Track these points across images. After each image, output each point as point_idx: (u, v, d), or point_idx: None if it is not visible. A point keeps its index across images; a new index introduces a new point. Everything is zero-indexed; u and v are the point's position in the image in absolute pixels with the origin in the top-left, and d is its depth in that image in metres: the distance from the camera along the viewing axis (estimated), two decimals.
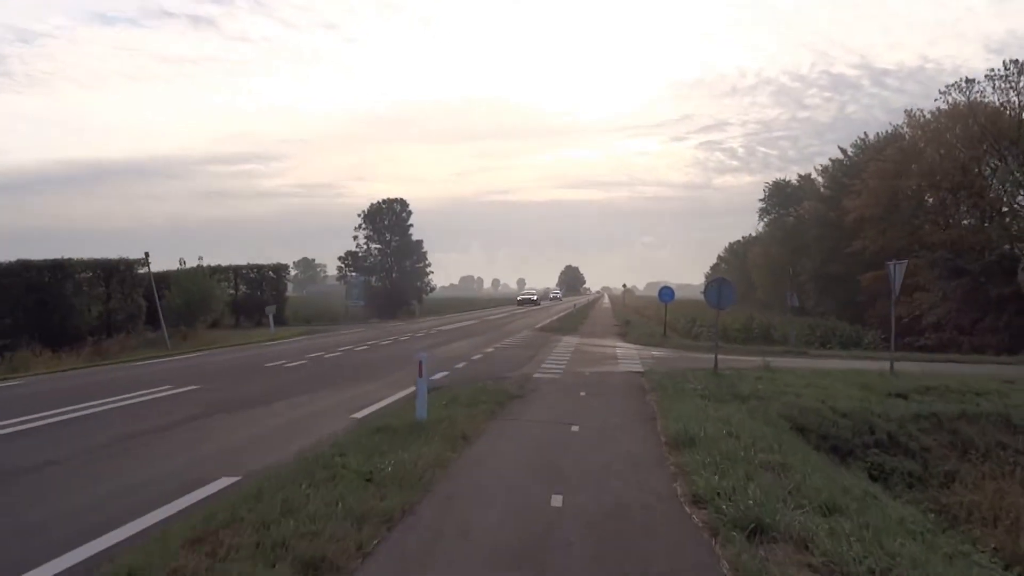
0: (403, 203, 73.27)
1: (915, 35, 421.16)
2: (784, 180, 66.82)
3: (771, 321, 36.13)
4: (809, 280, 56.85)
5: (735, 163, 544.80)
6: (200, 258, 31.93)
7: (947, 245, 36.94)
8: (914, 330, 37.27)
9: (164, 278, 32.14)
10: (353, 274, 44.76)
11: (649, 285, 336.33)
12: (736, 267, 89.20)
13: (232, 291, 41.71)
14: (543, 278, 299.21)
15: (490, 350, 21.56)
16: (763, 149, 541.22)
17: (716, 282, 16.35)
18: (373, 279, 71.30)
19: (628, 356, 20.39)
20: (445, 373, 15.16)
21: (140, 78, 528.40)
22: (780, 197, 66.23)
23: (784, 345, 29.11)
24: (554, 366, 17.10)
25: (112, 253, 30.14)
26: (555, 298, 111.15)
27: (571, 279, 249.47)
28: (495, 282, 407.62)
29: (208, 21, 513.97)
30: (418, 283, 73.37)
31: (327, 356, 19.28)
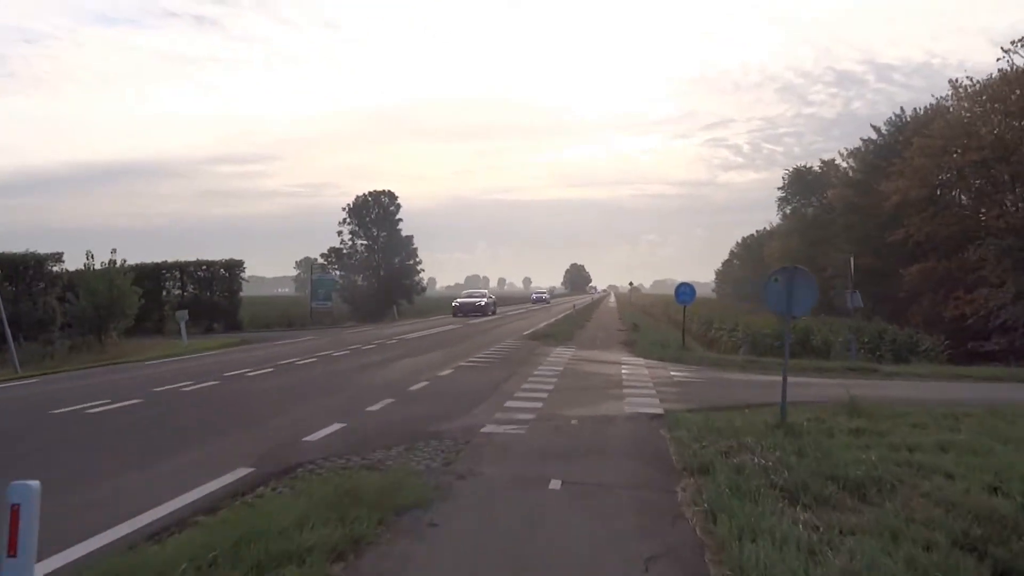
0: (391, 196, 67.20)
1: (919, 30, 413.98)
2: (805, 167, 60.61)
3: (807, 323, 30.01)
4: (837, 275, 50.56)
5: (740, 160, 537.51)
6: (113, 251, 25.88)
7: (1017, 231, 30.80)
8: (979, 333, 31.16)
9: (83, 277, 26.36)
10: (321, 272, 38.62)
11: (656, 283, 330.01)
12: (750, 263, 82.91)
13: (179, 291, 35.94)
14: (549, 276, 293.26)
15: (449, 371, 15.60)
16: (768, 145, 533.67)
17: (784, 273, 10.13)
18: (360, 278, 65.55)
19: (638, 381, 14.38)
20: (341, 425, 9.19)
21: (143, 78, 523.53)
22: (801, 185, 59.99)
23: (840, 359, 23.18)
24: (526, 403, 11.11)
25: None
26: (539, 300, 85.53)
27: (576, 277, 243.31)
28: (501, 281, 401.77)
29: (211, 21, 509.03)
30: (408, 282, 67.49)
31: (190, 389, 13.05)
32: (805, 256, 60.19)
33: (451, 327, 33.34)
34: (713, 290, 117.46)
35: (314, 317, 38.00)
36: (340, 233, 65.05)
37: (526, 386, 13.17)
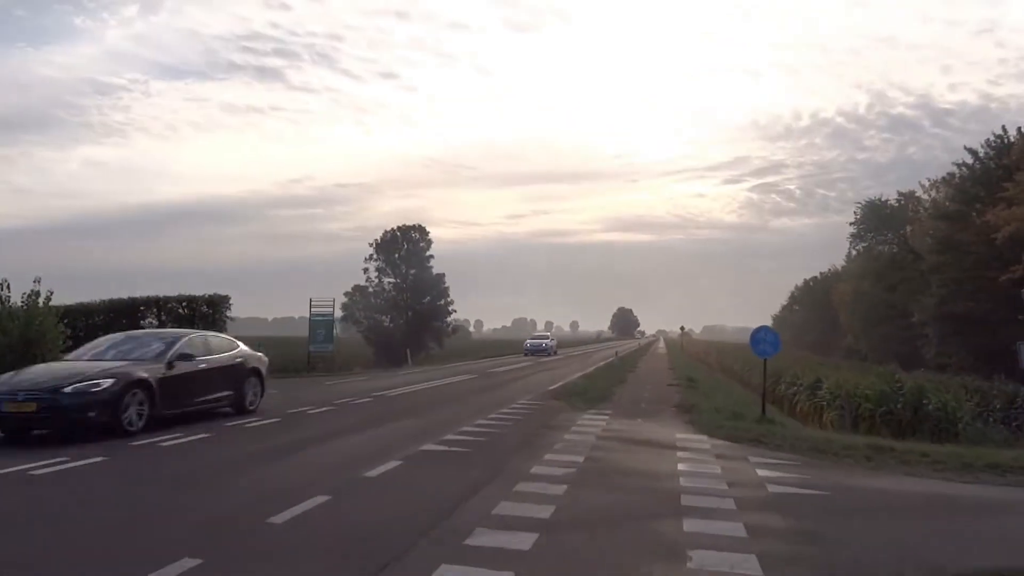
0: (422, 231, 62.25)
1: (976, 75, 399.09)
2: (880, 200, 53.52)
3: (915, 382, 23.07)
4: (928, 322, 43.13)
5: (792, 205, 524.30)
6: (36, 281, 20.62)
7: None
8: None
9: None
10: (327, 311, 33.12)
11: (706, 328, 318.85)
12: (814, 308, 75.26)
13: None
14: (596, 321, 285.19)
15: (395, 464, 9.51)
16: (821, 191, 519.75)
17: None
18: (387, 319, 60.25)
19: (709, 493, 8.05)
20: None
21: (208, 126, 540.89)
22: (876, 220, 52.87)
23: (975, 434, 16.54)
24: (493, 555, 5.06)
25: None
26: (537, 350, 56.30)
27: (624, 322, 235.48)
28: (548, 324, 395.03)
29: (273, 72, 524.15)
30: (437, 323, 61.93)
31: None
32: (882, 301, 52.87)
33: (463, 378, 27.32)
34: None
35: (312, 363, 32.41)
36: (366, 270, 60.31)
37: (507, 506, 7.06)
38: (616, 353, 43.57)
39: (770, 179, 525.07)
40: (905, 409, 20.98)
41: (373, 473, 8.73)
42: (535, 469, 9.21)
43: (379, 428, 13.12)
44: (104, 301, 30.90)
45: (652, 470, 9.70)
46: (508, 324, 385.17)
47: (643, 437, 12.83)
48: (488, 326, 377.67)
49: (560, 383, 24.31)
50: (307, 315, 33.52)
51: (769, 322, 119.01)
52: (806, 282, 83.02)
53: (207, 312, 30.88)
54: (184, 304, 30.99)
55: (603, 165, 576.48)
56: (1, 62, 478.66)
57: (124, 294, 30.59)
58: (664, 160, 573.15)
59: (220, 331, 30.85)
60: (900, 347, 49.59)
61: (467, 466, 9.50)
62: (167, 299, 31.09)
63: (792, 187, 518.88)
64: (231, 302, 31.29)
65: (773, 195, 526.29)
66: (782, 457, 11.23)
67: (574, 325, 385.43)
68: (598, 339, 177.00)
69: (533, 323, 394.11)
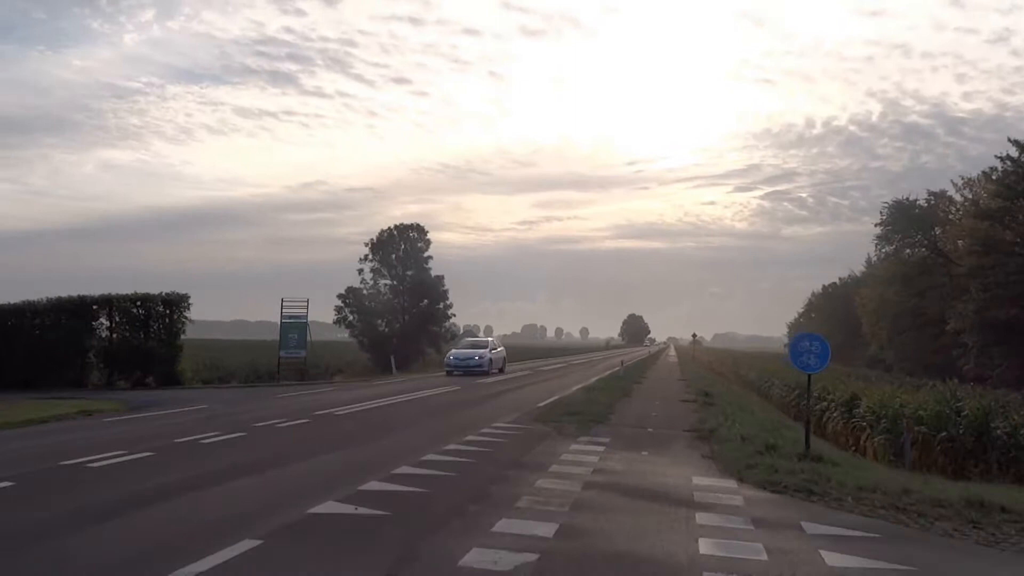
0: (420, 230, 58.63)
1: (991, 83, 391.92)
2: (909, 199, 49.50)
3: (983, 401, 19.22)
4: (966, 330, 39.12)
5: (804, 213, 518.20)
6: None
7: None
8: None
9: None
10: (300, 314, 29.60)
11: (717, 336, 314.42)
12: (834, 316, 71.12)
13: (107, 333, 27.48)
14: (607, 327, 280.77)
15: (244, 550, 5.93)
16: (833, 199, 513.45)
17: None
18: (381, 323, 56.69)
19: None
20: None
21: (222, 131, 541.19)
22: (905, 222, 48.89)
23: None
24: None
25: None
26: (476, 365, 33.77)
27: (634, 328, 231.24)
28: (558, 331, 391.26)
29: (286, 77, 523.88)
30: (436, 328, 58.30)
31: None
32: (910, 308, 48.91)
33: (446, 389, 23.72)
34: (785, 345, 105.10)
35: (283, 370, 28.90)
36: (360, 271, 56.74)
37: None
38: (622, 363, 39.37)
39: (782, 187, 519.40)
40: (967, 434, 17.31)
41: (195, 570, 5.14)
42: (468, 558, 5.61)
43: (279, 469, 9.53)
44: (52, 299, 27.66)
45: (659, 555, 6.07)
46: (518, 330, 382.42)
47: (648, 484, 9.18)
48: (498, 332, 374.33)
49: (554, 397, 20.70)
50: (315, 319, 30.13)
51: (783, 330, 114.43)
52: (824, 288, 78.80)
53: (162, 313, 27.62)
54: (138, 304, 27.74)
55: (615, 172, 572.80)
56: (20, 65, 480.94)
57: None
58: (676, 167, 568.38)
59: (177, 334, 27.59)
60: (932, 357, 45.58)
61: (359, 551, 5.91)
62: (120, 298, 27.83)
63: (804, 195, 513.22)
64: (190, 302, 27.93)
65: (785, 203, 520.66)
66: (850, 523, 7.55)
67: (584, 332, 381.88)
68: (607, 346, 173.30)
69: (543, 329, 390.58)
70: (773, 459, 10.86)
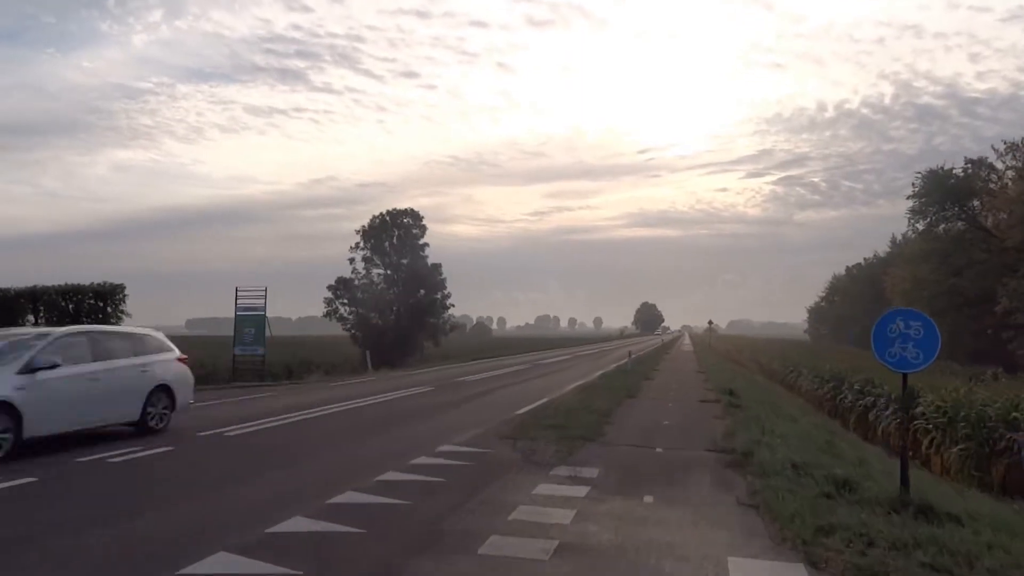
0: (415, 216, 54.49)
1: (1006, 62, 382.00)
2: (943, 168, 44.70)
3: None
4: (1017, 309, 34.51)
5: (817, 198, 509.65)
6: None
7: None
8: None
9: None
10: (256, 304, 25.55)
11: (731, 323, 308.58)
12: (860, 299, 66.29)
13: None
14: (621, 316, 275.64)
15: None
16: (847, 183, 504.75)
17: None
18: (374, 315, 52.71)
19: None
20: None
21: (233, 129, 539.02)
22: (940, 193, 44.12)
23: None
24: None
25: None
26: None
27: (648, 317, 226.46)
28: (571, 321, 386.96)
29: (295, 74, 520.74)
30: (433, 320, 54.24)
31: None
32: (947, 287, 44.26)
33: (418, 391, 19.56)
34: (805, 331, 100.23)
35: (239, 370, 24.89)
36: (352, 261, 52.75)
37: None
38: (630, 354, 34.99)
39: (794, 172, 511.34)
40: None
41: None
42: None
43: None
44: None
45: None
46: (531, 321, 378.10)
47: None
48: (511, 323, 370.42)
49: (542, 400, 16.52)
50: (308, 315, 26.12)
51: (803, 315, 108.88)
52: (848, 270, 73.83)
53: (96, 306, 23.68)
54: (67, 296, 23.81)
55: (626, 161, 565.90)
56: (31, 68, 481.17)
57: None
58: (687, 154, 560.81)
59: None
60: (975, 341, 41.00)
61: None
62: (47, 290, 23.92)
63: (817, 179, 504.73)
64: (126, 293, 23.96)
65: (798, 188, 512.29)
66: None
67: (598, 321, 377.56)
68: (621, 335, 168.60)
69: (556, 320, 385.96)
70: (854, 511, 6.65)
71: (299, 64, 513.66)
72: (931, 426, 16.55)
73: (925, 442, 16.84)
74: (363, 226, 52.58)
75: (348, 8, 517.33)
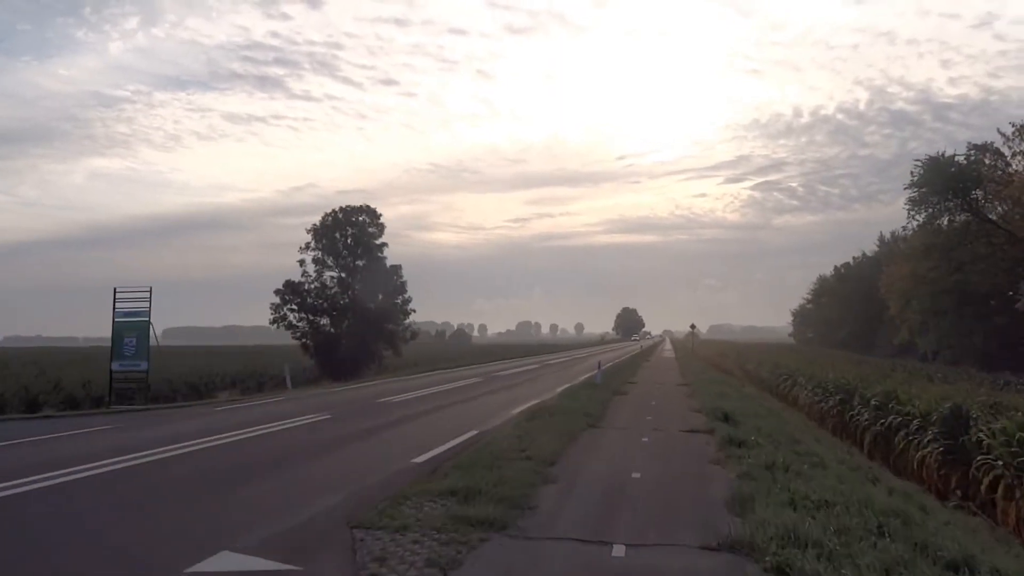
0: (372, 213, 49.40)
1: (976, 68, 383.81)
2: (944, 155, 40.53)
3: None
4: None
5: (795, 203, 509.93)
6: None
7: None
8: None
9: None
10: (138, 310, 20.41)
11: (712, 328, 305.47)
12: (849, 300, 62.12)
13: None
14: (603, 322, 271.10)
15: None
16: (824, 188, 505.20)
17: None
18: (324, 321, 47.64)
19: None
20: None
21: (211, 137, 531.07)
22: (941, 182, 39.94)
23: None
24: None
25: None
26: None
27: (629, 323, 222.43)
28: (553, 327, 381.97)
29: (274, 81, 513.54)
30: (391, 326, 49.22)
31: None
32: (951, 285, 40.07)
33: (314, 419, 14.71)
34: (790, 334, 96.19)
35: (118, 389, 19.83)
36: (302, 262, 47.63)
37: None
38: (599, 365, 28.72)
39: (772, 177, 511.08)
40: None
41: None
42: None
43: None
44: None
45: None
46: (513, 328, 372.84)
47: None
48: (493, 330, 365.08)
49: (463, 436, 11.72)
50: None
51: (784, 318, 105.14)
52: (837, 270, 69.72)
53: None
54: None
55: (605, 167, 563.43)
56: (7, 76, 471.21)
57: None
58: (666, 160, 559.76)
59: None
60: (985, 343, 36.76)
61: None
62: None
63: (794, 184, 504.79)
64: None
65: (775, 193, 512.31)
66: None
67: (579, 327, 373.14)
68: (602, 341, 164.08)
69: (538, 326, 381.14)
70: None
71: (278, 71, 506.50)
72: (1001, 463, 11.95)
73: (985, 482, 12.26)
74: (314, 224, 47.46)
75: (326, 16, 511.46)
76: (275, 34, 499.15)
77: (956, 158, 39.92)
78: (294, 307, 45.49)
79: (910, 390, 18.43)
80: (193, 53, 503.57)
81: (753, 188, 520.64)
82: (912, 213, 40.60)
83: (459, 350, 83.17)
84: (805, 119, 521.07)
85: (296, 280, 46.00)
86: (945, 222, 40.44)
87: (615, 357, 55.16)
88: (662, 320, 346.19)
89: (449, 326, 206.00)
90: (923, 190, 40.15)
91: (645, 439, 11.78)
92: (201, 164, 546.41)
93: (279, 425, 13.60)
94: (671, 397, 19.88)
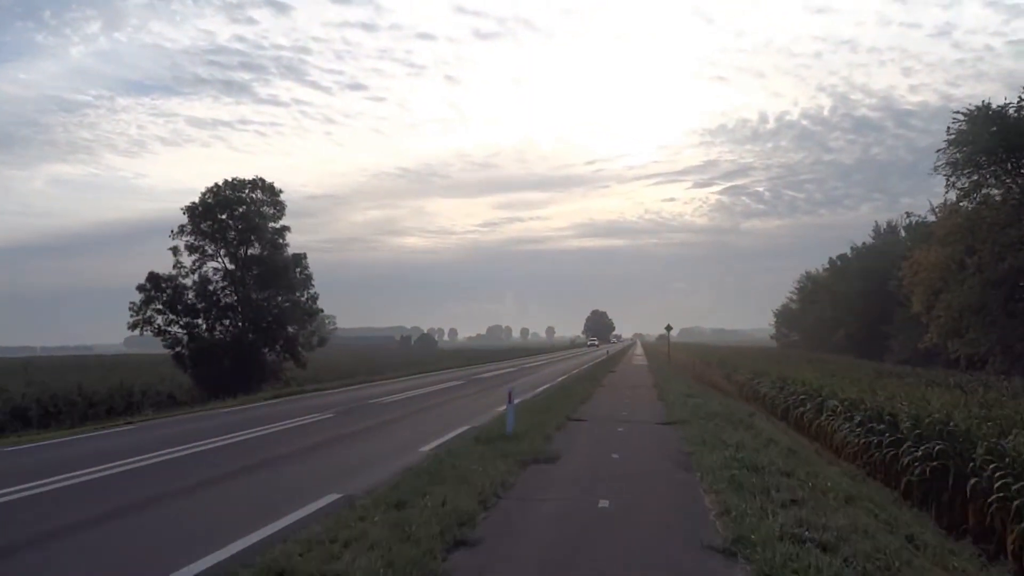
0: (270, 190, 37.97)
1: (936, 76, 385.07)
2: (990, 105, 31.25)
3: None
4: None
5: (761, 207, 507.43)
6: None
7: None
8: None
9: None
10: None
11: (683, 331, 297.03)
12: (846, 299, 52.84)
13: None
14: (573, 326, 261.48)
15: None
16: (789, 192, 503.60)
17: None
18: (204, 325, 36.93)
19: None
20: None
21: (176, 142, 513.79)
22: (984, 141, 30.66)
23: None
24: None
25: None
26: None
27: (598, 325, 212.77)
28: (524, 331, 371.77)
29: (240, 86, 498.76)
30: (293, 330, 38.64)
31: None
32: (1004, 272, 30.76)
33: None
34: (772, 336, 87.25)
35: None
36: (175, 250, 36.89)
37: None
38: (510, 395, 14.79)
39: (739, 182, 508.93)
40: None
41: None
42: None
43: None
44: None
45: None
46: (483, 332, 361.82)
47: None
48: (463, 334, 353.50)
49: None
50: None
51: (752, 321, 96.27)
52: (832, 262, 60.31)
53: None
54: None
55: (575, 172, 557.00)
56: None
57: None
58: (635, 165, 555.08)
59: None
60: None
61: None
62: None
63: (761, 189, 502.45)
64: None
65: (743, 197, 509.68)
66: None
67: (550, 331, 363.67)
68: (572, 345, 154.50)
69: (508, 330, 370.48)
70: None
71: (244, 76, 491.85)
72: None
73: None
74: (192, 203, 36.56)
75: (293, 20, 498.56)
76: (241, 38, 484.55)
77: (1009, 108, 30.65)
78: (160, 307, 34.83)
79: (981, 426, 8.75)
80: (157, 57, 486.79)
81: (721, 192, 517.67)
82: (951, 181, 31.23)
83: (423, 356, 73.20)
84: (771, 125, 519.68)
85: (167, 273, 35.40)
86: (995, 193, 31.19)
87: (579, 364, 45.37)
88: (633, 323, 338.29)
89: (418, 330, 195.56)
90: (965, 149, 30.83)
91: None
92: (166, 169, 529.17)
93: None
94: (645, 433, 9.75)
